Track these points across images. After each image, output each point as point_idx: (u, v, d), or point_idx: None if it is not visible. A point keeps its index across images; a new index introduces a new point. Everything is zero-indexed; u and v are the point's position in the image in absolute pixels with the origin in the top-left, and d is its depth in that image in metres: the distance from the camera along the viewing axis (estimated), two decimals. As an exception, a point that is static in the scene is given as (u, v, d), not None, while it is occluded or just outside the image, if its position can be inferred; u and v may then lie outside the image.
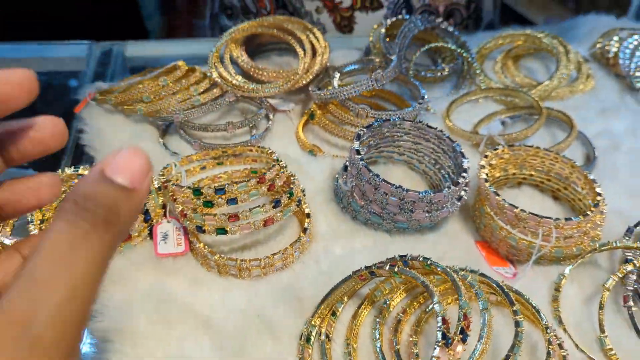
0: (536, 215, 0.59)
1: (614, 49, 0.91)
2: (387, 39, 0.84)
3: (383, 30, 0.84)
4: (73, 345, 0.25)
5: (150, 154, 0.69)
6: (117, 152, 0.28)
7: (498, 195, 0.61)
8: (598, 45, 0.94)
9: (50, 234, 0.26)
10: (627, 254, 0.60)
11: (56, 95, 0.82)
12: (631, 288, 0.57)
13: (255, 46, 0.88)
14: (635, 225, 0.64)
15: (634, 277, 0.58)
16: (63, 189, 0.62)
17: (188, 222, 0.58)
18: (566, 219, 0.59)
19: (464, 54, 0.87)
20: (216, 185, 0.57)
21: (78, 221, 0.26)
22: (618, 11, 1.08)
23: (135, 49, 0.94)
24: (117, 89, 0.77)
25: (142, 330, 0.51)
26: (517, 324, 0.51)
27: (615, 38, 0.92)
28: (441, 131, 0.67)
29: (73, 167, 0.61)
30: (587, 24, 1.00)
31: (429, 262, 0.54)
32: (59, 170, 0.61)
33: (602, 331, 0.54)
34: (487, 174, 0.64)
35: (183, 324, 0.53)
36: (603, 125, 0.80)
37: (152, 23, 2.54)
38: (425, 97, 0.76)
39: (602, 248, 0.59)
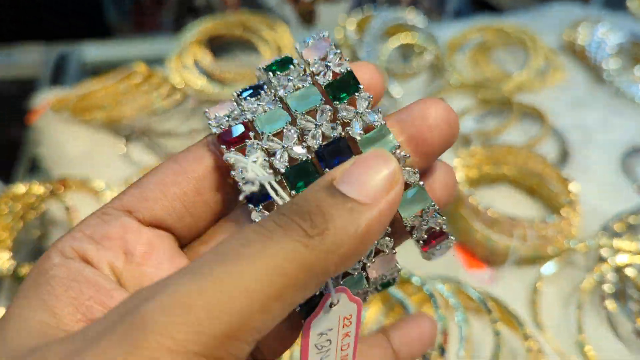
0: (510, 216, 0.58)
1: (582, 40, 0.90)
2: (356, 37, 0.82)
3: (352, 28, 0.82)
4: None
5: (113, 165, 0.66)
6: (361, 156, 0.24)
7: (472, 197, 0.60)
8: (565, 36, 0.93)
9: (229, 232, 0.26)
10: (602, 252, 0.59)
11: (9, 105, 0.78)
12: (607, 287, 0.56)
13: (219, 44, 0.85)
14: (610, 222, 0.63)
15: (610, 276, 0.57)
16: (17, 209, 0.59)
17: None
18: (540, 220, 0.58)
19: (434, 50, 0.85)
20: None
21: (273, 217, 0.22)
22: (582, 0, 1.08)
23: (94, 51, 0.90)
24: (75, 96, 0.74)
25: None
26: (496, 333, 0.50)
27: (582, 28, 0.91)
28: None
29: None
30: (555, 14, 1.00)
31: (405, 275, 0.52)
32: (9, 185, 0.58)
33: (581, 332, 0.54)
34: (461, 176, 0.63)
35: None
36: (575, 118, 0.79)
37: (115, 21, 2.48)
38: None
39: (577, 247, 0.59)
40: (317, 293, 0.26)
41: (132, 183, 0.28)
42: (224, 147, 0.26)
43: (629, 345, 0.53)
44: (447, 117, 0.26)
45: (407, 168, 0.26)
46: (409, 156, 0.26)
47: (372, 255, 0.27)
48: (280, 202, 0.24)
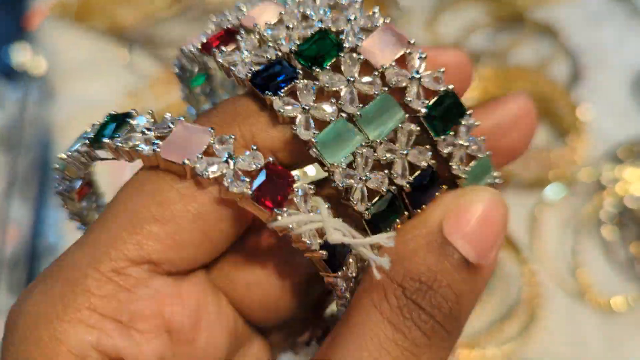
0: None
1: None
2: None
3: None
4: None
5: (116, 74, 0.65)
6: (468, 195, 0.20)
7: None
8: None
9: (362, 338, 0.19)
10: (602, 179, 0.60)
11: (2, 8, 0.76)
12: (604, 215, 0.58)
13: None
14: (614, 149, 0.63)
15: (608, 204, 0.58)
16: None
17: None
18: (544, 146, 0.58)
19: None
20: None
21: (409, 329, 0.19)
22: None
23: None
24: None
25: None
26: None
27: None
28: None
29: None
30: None
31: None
32: None
33: (575, 256, 0.56)
34: (468, 97, 0.62)
35: None
36: (589, 36, 0.77)
37: None
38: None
39: (578, 174, 0.59)
40: None
41: (123, 214, 0.19)
42: (272, 203, 0.20)
43: (620, 271, 0.55)
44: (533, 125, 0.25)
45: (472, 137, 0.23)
46: (478, 124, 0.23)
47: None
48: (376, 265, 0.20)
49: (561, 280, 0.54)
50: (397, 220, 0.22)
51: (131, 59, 0.69)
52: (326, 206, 0.20)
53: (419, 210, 0.22)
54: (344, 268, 0.20)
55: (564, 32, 0.75)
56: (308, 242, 0.20)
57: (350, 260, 0.21)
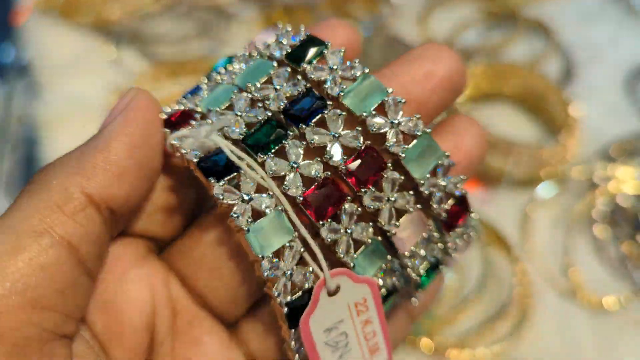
0: (507, 139, 0.57)
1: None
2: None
3: None
4: None
5: (103, 71, 0.64)
6: None
7: (469, 115, 0.59)
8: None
9: None
10: (594, 178, 0.59)
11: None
12: (596, 213, 0.57)
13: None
14: (607, 147, 0.63)
15: (600, 203, 0.57)
16: None
17: None
18: (537, 144, 0.58)
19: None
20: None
21: None
22: None
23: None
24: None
25: None
26: (485, 258, 0.51)
27: None
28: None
29: None
30: None
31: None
32: None
33: (567, 255, 0.55)
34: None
35: None
36: (583, 34, 0.76)
37: None
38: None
39: (571, 172, 0.59)
40: (307, 285, 0.22)
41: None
42: (168, 130, 0.23)
43: (612, 270, 0.54)
44: (458, 62, 0.25)
45: (406, 117, 0.23)
46: (404, 101, 0.23)
47: (393, 216, 0.23)
48: (246, 168, 0.22)
49: (553, 279, 0.54)
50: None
51: (118, 55, 0.68)
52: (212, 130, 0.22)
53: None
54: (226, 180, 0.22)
55: (556, 29, 0.74)
56: (184, 151, 0.22)
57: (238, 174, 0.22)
